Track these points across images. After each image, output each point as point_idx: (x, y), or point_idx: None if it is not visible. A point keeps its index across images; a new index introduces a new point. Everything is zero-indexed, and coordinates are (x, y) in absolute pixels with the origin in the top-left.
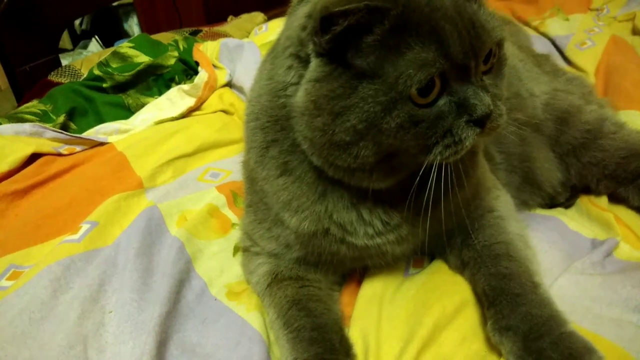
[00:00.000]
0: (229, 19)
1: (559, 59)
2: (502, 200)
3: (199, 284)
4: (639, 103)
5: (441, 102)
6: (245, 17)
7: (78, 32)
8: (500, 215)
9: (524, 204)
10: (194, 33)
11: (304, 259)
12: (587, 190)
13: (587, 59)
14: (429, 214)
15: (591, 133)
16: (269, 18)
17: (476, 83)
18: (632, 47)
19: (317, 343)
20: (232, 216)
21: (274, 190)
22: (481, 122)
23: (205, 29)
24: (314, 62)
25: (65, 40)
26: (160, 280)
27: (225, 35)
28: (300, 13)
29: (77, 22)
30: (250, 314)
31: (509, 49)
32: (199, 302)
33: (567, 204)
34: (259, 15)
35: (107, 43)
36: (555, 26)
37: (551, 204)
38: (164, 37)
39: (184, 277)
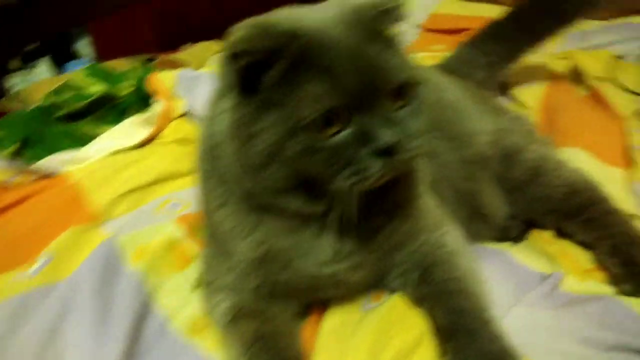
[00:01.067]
0: (184, 47)
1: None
2: (452, 235)
3: (158, 320)
4: (578, 140)
5: (344, 132)
6: (201, 45)
7: (28, 52)
8: (451, 250)
9: (474, 237)
10: (150, 60)
11: (261, 290)
12: (535, 224)
13: (530, 96)
14: (373, 242)
15: (534, 170)
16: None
17: (381, 116)
18: (571, 86)
19: None
20: (192, 249)
21: (219, 221)
22: (386, 153)
23: (161, 56)
24: (231, 93)
25: (13, 61)
26: (118, 316)
27: (181, 63)
28: None
29: None
30: (211, 352)
31: (453, 92)
32: (159, 339)
33: (518, 238)
34: (215, 44)
35: (57, 63)
36: None
37: (503, 237)
38: (120, 64)
39: (143, 313)
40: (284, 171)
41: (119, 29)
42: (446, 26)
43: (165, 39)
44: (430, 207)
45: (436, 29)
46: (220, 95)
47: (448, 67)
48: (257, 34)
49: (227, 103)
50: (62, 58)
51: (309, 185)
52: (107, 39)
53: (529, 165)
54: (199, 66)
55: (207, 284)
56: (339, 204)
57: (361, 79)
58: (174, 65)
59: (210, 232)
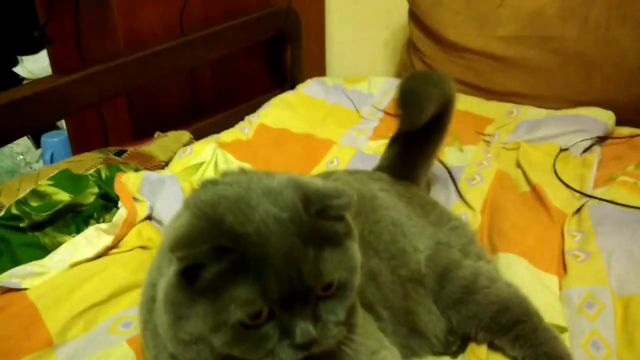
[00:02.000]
0: (156, 135)
1: (453, 191)
2: None
3: None
4: (516, 246)
5: (267, 326)
6: (171, 135)
7: None
8: None
9: (414, 354)
10: (119, 153)
11: None
12: (471, 338)
13: (475, 196)
14: None
15: (467, 288)
16: (195, 132)
17: (302, 315)
18: (514, 185)
19: None
20: None
21: None
22: (303, 347)
23: (130, 149)
24: (172, 269)
25: None
26: None
27: (150, 156)
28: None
29: None
30: None
31: (396, 208)
32: None
33: (457, 352)
34: (184, 135)
35: (36, 136)
36: (451, 156)
37: (444, 352)
38: (88, 157)
39: None
40: (209, 351)
41: (96, 120)
42: None
43: (140, 130)
44: (366, 335)
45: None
46: (168, 256)
47: (392, 168)
48: (199, 237)
49: (170, 271)
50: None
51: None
52: (83, 129)
53: (462, 283)
54: (167, 158)
55: None
56: None
57: (290, 284)
58: (143, 158)
59: None
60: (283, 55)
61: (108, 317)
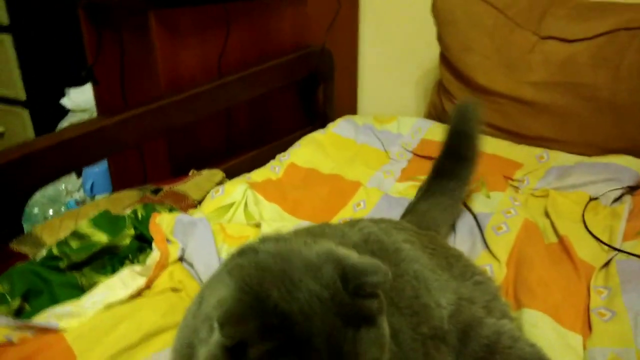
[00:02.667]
0: (190, 173)
1: (478, 238)
2: None
3: None
4: (542, 302)
5: None
6: (205, 174)
7: None
8: None
9: None
10: (156, 191)
11: None
12: None
13: (501, 246)
14: None
15: (489, 347)
16: (228, 169)
17: None
18: (541, 236)
19: None
20: None
21: None
22: None
23: (165, 187)
24: (216, 340)
25: None
26: None
27: (184, 195)
28: (221, 290)
29: None
30: None
31: (419, 262)
32: None
33: None
34: (218, 174)
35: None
36: (478, 202)
37: None
38: (126, 195)
39: None
40: None
41: (136, 159)
42: (433, 153)
43: (177, 162)
44: None
45: (424, 156)
46: (209, 324)
47: (418, 216)
48: (249, 315)
49: (213, 342)
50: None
51: None
52: (124, 168)
53: (485, 342)
54: (201, 197)
55: None
56: None
57: None
58: (177, 197)
59: None
60: (316, 94)
61: (142, 358)
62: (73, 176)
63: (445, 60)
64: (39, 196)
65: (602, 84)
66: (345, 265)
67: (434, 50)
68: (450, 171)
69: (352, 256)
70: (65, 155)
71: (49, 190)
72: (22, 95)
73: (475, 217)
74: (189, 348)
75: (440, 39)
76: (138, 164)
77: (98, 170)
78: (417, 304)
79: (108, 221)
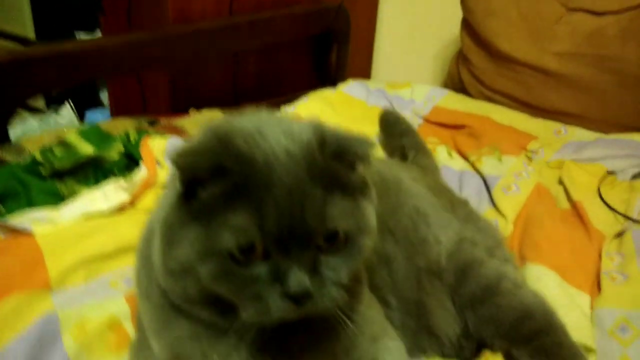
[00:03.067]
0: (190, 111)
1: (485, 198)
2: (391, 352)
3: None
4: (548, 259)
5: (261, 267)
6: (205, 113)
7: (53, 93)
8: None
9: (422, 351)
10: (153, 123)
11: None
12: (486, 345)
13: (510, 205)
14: None
15: (489, 289)
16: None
17: (299, 262)
18: (553, 199)
19: None
20: (131, 331)
21: (142, 311)
22: (294, 299)
23: (163, 120)
24: (173, 190)
25: (39, 101)
26: None
27: (181, 130)
28: None
29: None
30: None
31: (421, 197)
32: None
33: (471, 359)
34: (218, 115)
35: (80, 109)
36: (489, 165)
37: (456, 356)
38: (122, 123)
39: None
40: (196, 286)
41: (135, 87)
42: (445, 120)
43: (178, 101)
44: (369, 318)
45: (436, 122)
46: (170, 185)
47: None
48: (204, 152)
49: (170, 197)
50: (86, 104)
51: (221, 301)
52: (123, 96)
53: (484, 282)
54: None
55: None
56: (251, 326)
57: (288, 223)
58: (174, 131)
59: (138, 320)
60: (329, 55)
61: (111, 271)
62: (75, 121)
63: (468, 25)
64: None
65: (630, 58)
66: (325, 131)
67: (456, 20)
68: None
69: (338, 128)
70: (62, 66)
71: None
72: (31, 34)
73: (484, 178)
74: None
75: (463, 2)
76: (137, 96)
77: (102, 116)
78: (414, 236)
79: (97, 135)
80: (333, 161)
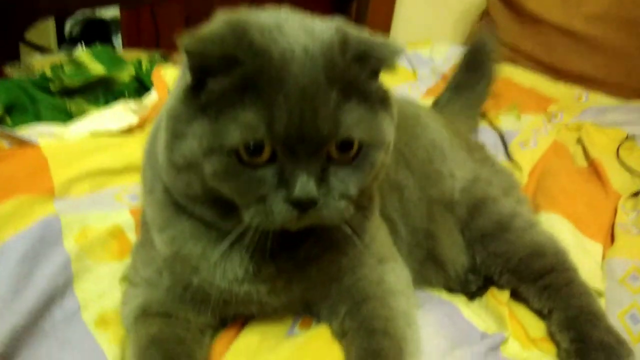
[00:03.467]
0: None
1: (501, 152)
2: (396, 275)
3: (72, 304)
4: (562, 208)
5: (267, 169)
6: None
7: (66, 36)
8: (389, 288)
9: (427, 282)
10: (165, 56)
11: (174, 291)
12: (493, 282)
13: (526, 159)
14: (302, 271)
15: (501, 224)
16: None
17: (307, 167)
18: (571, 156)
19: None
20: (134, 242)
21: (145, 206)
22: (299, 205)
23: (176, 55)
24: (183, 81)
25: (51, 42)
26: (31, 291)
27: None
28: None
29: (67, 27)
30: (111, 347)
31: (439, 133)
32: (66, 324)
33: (476, 294)
34: None
35: None
36: (507, 122)
37: (462, 290)
38: (132, 54)
39: (58, 294)
40: (199, 183)
41: (149, 23)
42: None
43: None
44: (378, 240)
45: None
46: (180, 77)
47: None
48: (217, 40)
49: (178, 90)
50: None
51: (224, 202)
52: (137, 34)
53: (497, 218)
54: None
55: (129, 275)
56: (254, 230)
57: (299, 126)
58: None
59: (142, 217)
60: (348, 11)
61: (117, 185)
62: None
63: None
64: None
65: None
66: (348, 32)
67: None
68: (467, 85)
69: (365, 32)
70: None
71: None
72: None
73: (501, 134)
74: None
75: None
76: (151, 32)
77: None
78: (429, 168)
79: (109, 57)
80: (354, 65)
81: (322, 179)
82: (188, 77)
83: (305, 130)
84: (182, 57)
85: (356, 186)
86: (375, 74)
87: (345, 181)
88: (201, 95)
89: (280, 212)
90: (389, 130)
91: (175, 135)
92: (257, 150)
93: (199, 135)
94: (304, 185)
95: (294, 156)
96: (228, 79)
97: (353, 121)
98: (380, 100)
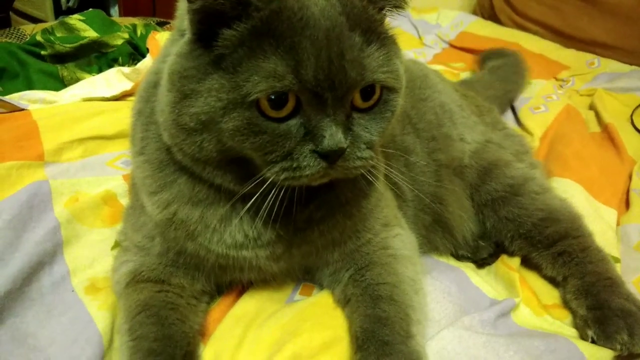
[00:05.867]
0: None
1: (511, 118)
2: (402, 240)
3: (61, 270)
4: (575, 173)
5: (292, 122)
6: None
7: (64, 7)
8: (394, 254)
9: (434, 248)
10: (161, 24)
11: (166, 257)
12: (503, 249)
13: (537, 123)
14: (305, 236)
15: (513, 188)
16: None
17: (334, 116)
18: (582, 120)
19: (155, 355)
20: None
21: (136, 167)
22: (327, 157)
23: (173, 22)
24: (185, 37)
25: (48, 14)
26: (19, 256)
27: None
28: None
29: None
30: (100, 313)
31: (448, 95)
32: (54, 290)
33: (486, 261)
34: None
35: None
36: None
37: (472, 257)
38: (125, 20)
39: (46, 259)
40: (214, 144)
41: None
42: (472, 45)
43: None
44: (384, 205)
45: (461, 47)
46: (179, 34)
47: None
48: None
49: (179, 46)
50: None
51: (238, 164)
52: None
53: (509, 182)
54: None
55: (120, 240)
56: (265, 192)
57: (327, 71)
58: None
59: (131, 181)
60: None
61: (110, 152)
62: None
63: None
64: None
65: None
66: None
67: None
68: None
69: None
70: None
71: None
72: None
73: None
74: (155, 74)
75: None
76: (147, 5)
77: None
78: (437, 131)
79: (101, 20)
80: (369, 5)
81: (347, 129)
82: (192, 30)
83: (333, 76)
84: (181, 10)
85: (379, 134)
86: (383, 14)
87: (369, 129)
88: (213, 48)
89: (309, 165)
90: (402, 72)
91: (184, 94)
92: (281, 101)
93: (215, 90)
94: (333, 135)
95: (320, 105)
96: (243, 26)
97: (376, 65)
98: (393, 42)
